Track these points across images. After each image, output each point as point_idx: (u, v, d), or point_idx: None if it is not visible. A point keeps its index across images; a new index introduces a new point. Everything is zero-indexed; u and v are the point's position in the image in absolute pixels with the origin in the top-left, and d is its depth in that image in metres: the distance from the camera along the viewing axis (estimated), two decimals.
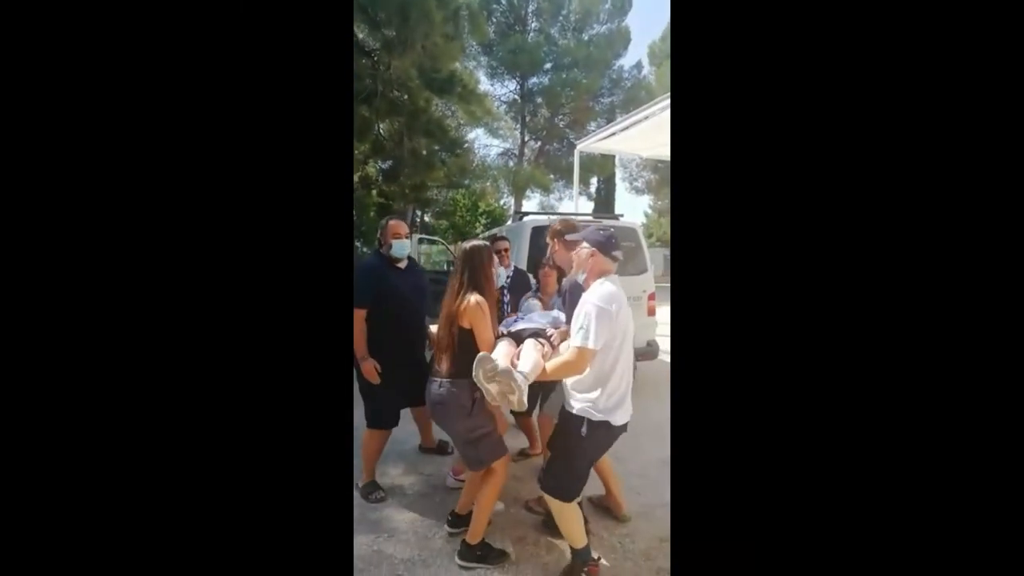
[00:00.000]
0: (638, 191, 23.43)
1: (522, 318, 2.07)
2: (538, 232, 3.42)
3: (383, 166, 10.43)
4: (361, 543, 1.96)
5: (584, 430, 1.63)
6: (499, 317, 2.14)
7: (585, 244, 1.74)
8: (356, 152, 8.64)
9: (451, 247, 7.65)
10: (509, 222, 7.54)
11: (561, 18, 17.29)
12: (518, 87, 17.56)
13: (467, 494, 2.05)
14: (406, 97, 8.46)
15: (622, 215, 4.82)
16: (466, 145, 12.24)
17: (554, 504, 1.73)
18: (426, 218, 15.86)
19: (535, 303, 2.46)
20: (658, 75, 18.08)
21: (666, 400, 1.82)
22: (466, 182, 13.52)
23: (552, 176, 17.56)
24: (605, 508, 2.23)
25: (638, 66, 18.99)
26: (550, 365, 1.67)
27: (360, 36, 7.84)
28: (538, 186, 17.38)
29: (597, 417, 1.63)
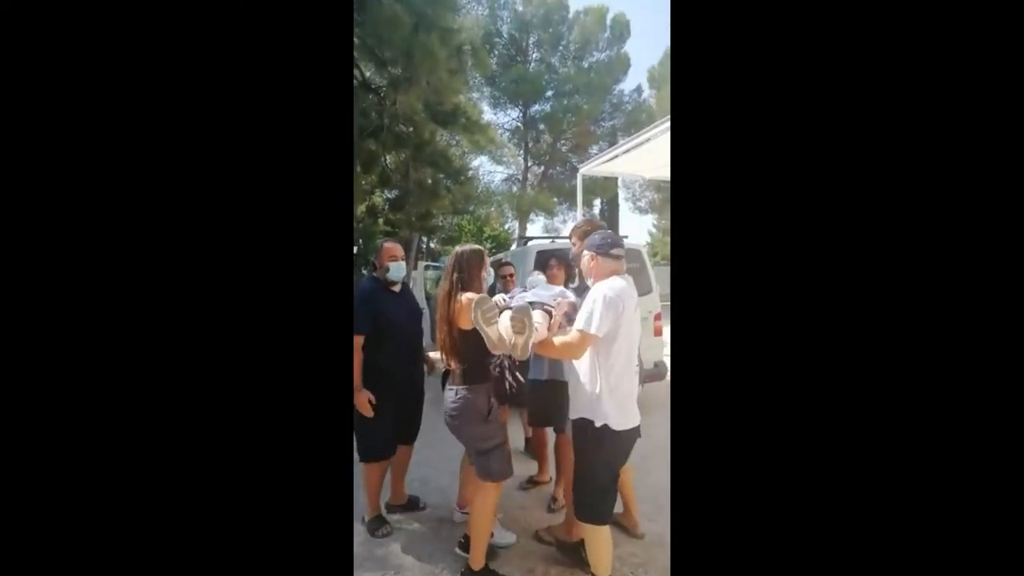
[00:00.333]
0: (642, 211, 23.52)
1: (527, 292, 2.08)
2: (542, 256, 3.46)
3: (389, 196, 10.64)
4: None
5: (590, 435, 1.63)
6: None
7: (586, 252, 1.78)
8: (363, 183, 8.84)
9: None
10: (513, 246, 7.59)
11: (561, 47, 17.77)
12: (521, 115, 17.95)
13: (464, 486, 2.05)
14: (411, 130, 8.66)
15: (627, 236, 4.84)
16: (470, 173, 12.46)
17: (587, 530, 1.73)
18: (431, 244, 16.04)
19: (540, 277, 2.44)
20: (658, 98, 18.26)
21: None
22: (471, 208, 13.70)
23: (556, 199, 17.75)
24: (621, 527, 2.17)
25: (638, 90, 19.38)
26: (555, 339, 1.68)
27: (367, 74, 8.12)
28: (542, 210, 17.58)
29: (600, 421, 1.63)
